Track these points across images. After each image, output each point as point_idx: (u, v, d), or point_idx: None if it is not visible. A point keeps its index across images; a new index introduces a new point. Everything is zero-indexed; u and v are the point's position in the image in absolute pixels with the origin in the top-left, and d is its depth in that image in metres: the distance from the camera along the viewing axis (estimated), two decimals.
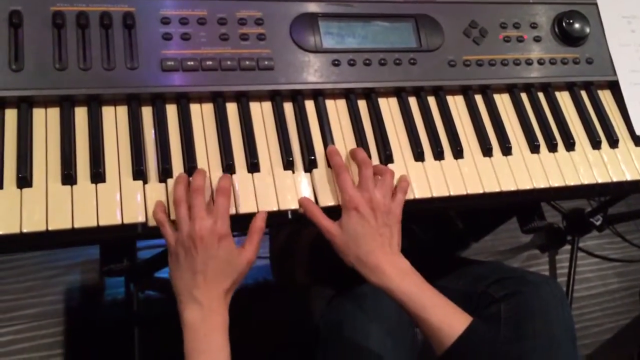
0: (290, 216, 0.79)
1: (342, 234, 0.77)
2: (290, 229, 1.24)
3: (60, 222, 0.69)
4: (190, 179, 0.75)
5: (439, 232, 1.43)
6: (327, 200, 0.80)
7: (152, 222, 0.73)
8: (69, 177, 0.72)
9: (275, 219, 0.78)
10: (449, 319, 0.74)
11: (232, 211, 0.75)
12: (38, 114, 0.75)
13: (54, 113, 0.76)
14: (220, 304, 0.72)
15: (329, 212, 0.79)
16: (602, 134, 0.96)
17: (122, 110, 0.78)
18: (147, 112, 0.79)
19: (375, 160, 0.85)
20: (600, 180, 0.91)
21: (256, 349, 1.37)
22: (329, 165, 0.82)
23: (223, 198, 0.74)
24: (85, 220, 0.70)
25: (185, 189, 0.73)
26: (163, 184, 0.75)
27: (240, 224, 0.76)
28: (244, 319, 1.34)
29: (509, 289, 0.84)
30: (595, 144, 0.94)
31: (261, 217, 0.76)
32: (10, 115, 0.74)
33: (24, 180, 0.70)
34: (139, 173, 0.74)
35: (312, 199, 0.80)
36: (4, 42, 0.74)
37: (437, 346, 0.74)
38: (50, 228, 0.69)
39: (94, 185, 0.73)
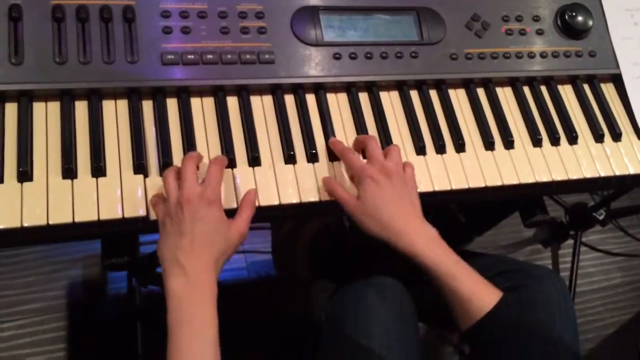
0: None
1: (360, 204, 0.76)
2: (292, 223, 1.24)
3: (61, 216, 0.69)
4: None
5: (440, 226, 1.43)
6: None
7: (153, 216, 0.72)
8: (69, 171, 0.72)
9: (276, 212, 0.78)
10: (479, 291, 0.73)
11: (233, 205, 0.75)
12: (38, 108, 0.75)
13: (54, 107, 0.76)
14: (209, 273, 0.67)
15: (331, 207, 0.79)
16: (604, 128, 0.95)
17: (123, 104, 0.78)
18: (147, 106, 0.79)
19: None
20: (603, 174, 0.91)
21: (257, 344, 1.37)
22: (330, 159, 0.82)
23: (216, 167, 0.72)
24: (86, 214, 0.70)
25: (176, 169, 0.72)
26: None
27: None
28: (246, 314, 1.34)
29: (512, 281, 0.84)
30: (598, 138, 0.94)
31: (253, 190, 0.75)
32: (11, 109, 0.74)
33: (25, 174, 0.70)
34: (140, 167, 0.74)
35: (315, 192, 0.79)
36: (4, 36, 0.74)
37: (464, 318, 0.73)
38: (51, 222, 0.68)
39: (94, 179, 0.72)
